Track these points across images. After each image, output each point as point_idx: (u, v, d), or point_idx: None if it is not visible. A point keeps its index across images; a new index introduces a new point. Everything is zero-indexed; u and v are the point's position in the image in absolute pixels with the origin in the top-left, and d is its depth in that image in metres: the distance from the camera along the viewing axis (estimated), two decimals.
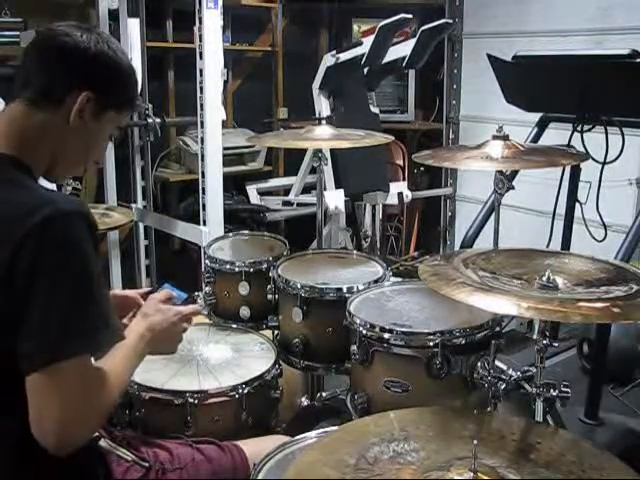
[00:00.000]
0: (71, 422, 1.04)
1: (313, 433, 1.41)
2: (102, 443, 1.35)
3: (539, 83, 2.36)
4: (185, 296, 1.55)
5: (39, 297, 1.03)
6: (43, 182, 1.22)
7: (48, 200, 1.08)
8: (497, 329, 1.50)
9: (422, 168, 4.54)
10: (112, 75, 1.23)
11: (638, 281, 1.25)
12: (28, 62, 1.21)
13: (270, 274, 1.94)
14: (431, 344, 1.43)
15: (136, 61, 3.28)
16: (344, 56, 3.73)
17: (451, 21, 3.85)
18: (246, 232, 2.46)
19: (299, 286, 1.80)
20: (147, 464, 1.36)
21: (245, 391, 1.63)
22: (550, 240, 2.57)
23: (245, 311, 2.01)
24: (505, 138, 1.81)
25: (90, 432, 1.11)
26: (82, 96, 1.18)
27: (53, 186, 1.37)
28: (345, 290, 1.78)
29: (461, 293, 1.20)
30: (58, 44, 1.19)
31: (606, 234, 2.43)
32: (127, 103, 1.29)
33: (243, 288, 1.99)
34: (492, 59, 2.43)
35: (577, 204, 2.53)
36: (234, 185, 4.05)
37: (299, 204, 4.00)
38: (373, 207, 3.86)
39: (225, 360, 1.79)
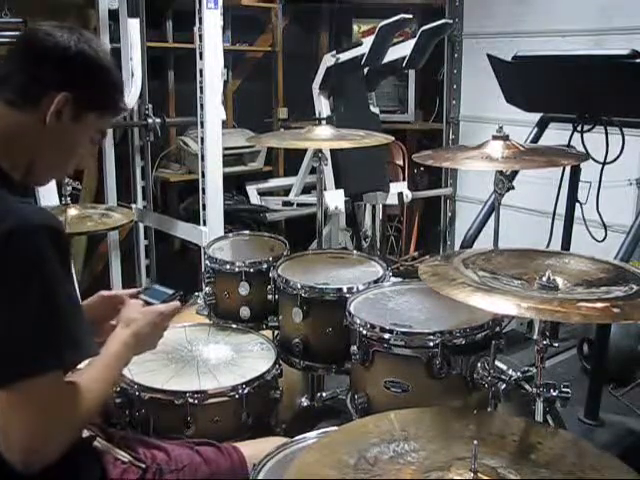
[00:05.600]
0: (35, 441, 1.02)
1: (313, 433, 1.41)
2: (97, 444, 1.34)
3: (539, 83, 2.35)
4: (170, 292, 1.53)
5: (0, 315, 1.01)
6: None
7: (12, 211, 1.05)
8: (497, 329, 1.49)
9: (422, 168, 4.53)
10: (92, 76, 1.19)
11: (638, 281, 1.25)
12: (9, 61, 1.18)
13: (270, 274, 1.94)
14: (431, 344, 1.43)
15: (136, 61, 3.28)
16: (344, 56, 3.73)
17: (451, 21, 3.86)
18: (246, 232, 2.46)
19: (299, 286, 1.80)
20: (144, 465, 1.35)
21: (245, 391, 1.63)
22: (550, 240, 2.57)
23: (245, 311, 2.01)
24: (505, 138, 1.80)
25: (58, 449, 1.05)
26: (60, 96, 1.14)
27: (53, 185, 1.36)
28: (345, 290, 1.78)
29: (461, 293, 1.20)
30: (38, 43, 1.16)
31: (606, 234, 2.43)
32: (109, 106, 1.24)
33: (243, 288, 1.98)
34: (492, 59, 2.43)
35: (577, 204, 2.53)
36: (234, 185, 4.05)
37: (299, 204, 4.01)
38: (373, 207, 3.86)
39: (225, 360, 1.80)
